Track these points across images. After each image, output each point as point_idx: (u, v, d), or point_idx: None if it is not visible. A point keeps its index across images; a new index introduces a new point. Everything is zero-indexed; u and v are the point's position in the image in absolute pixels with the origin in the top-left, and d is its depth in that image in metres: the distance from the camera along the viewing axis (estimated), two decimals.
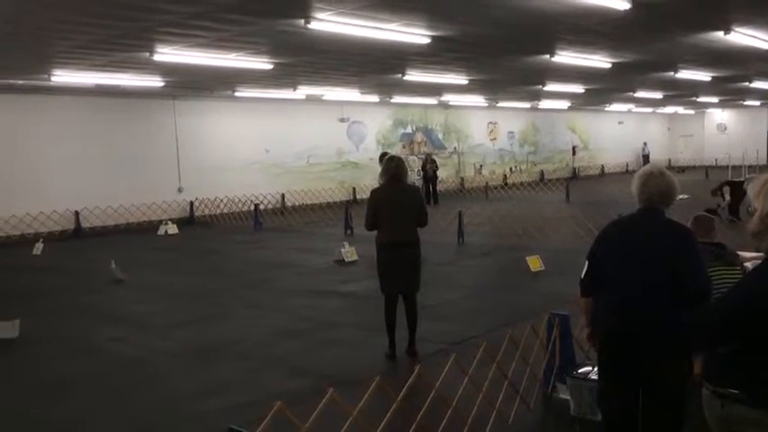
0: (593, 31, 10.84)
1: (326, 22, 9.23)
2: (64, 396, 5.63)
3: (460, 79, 17.36)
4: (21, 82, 14.77)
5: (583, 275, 3.42)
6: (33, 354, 6.87)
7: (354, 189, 24.08)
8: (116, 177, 18.03)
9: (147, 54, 11.26)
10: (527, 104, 28.80)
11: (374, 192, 6.24)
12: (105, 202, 17.89)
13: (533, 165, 33.01)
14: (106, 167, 17.87)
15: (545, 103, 28.54)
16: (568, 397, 4.66)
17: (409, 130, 26.98)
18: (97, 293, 9.84)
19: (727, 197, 14.80)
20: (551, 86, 20.36)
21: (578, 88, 21.31)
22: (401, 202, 6.10)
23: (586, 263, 3.40)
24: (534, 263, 9.96)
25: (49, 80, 14.02)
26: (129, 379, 5.97)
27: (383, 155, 14.89)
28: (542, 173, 32.37)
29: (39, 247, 14.03)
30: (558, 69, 15.68)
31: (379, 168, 6.68)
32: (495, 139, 30.99)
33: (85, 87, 15.79)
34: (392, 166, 6.15)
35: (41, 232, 16.32)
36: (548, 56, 13.36)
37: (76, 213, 17.53)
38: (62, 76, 13.77)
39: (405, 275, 6.14)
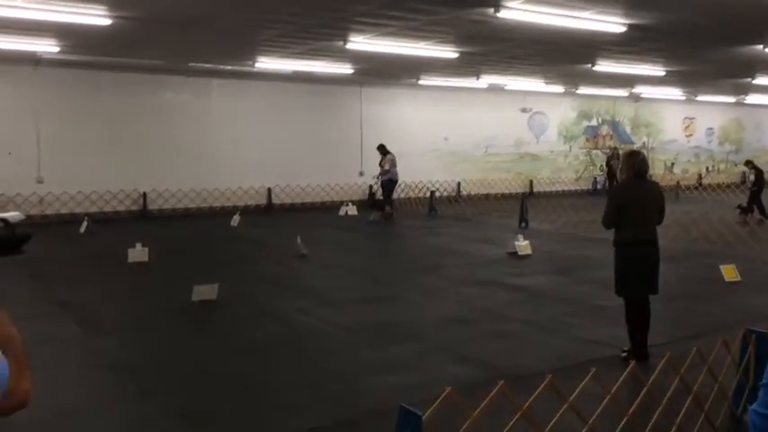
0: None
1: (516, 11, 9.11)
2: (255, 357, 6.17)
3: (656, 70, 16.27)
4: (229, 67, 16.30)
5: None
6: (229, 316, 7.59)
7: (531, 181, 23.57)
8: (304, 158, 19.25)
9: (341, 43, 11.87)
10: (731, 99, 26.24)
11: (617, 188, 6.05)
12: (294, 181, 19.22)
13: (734, 165, 30.04)
14: (296, 149, 19.14)
15: (753, 98, 25.81)
16: None
17: (594, 122, 25.77)
18: (283, 265, 10.63)
19: None
20: (762, 80, 18.40)
21: None
22: (646, 199, 5.89)
23: None
24: (729, 272, 9.10)
25: (253, 66, 15.31)
26: (310, 348, 6.40)
27: (381, 146, 14.87)
28: (744, 174, 29.30)
29: (236, 219, 15.43)
30: None
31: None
32: (690, 135, 28.63)
33: (282, 74, 17.03)
34: (637, 161, 5.87)
35: (239, 206, 17.91)
36: (761, 46, 12.11)
37: (269, 190, 19.03)
38: (265, 63, 14.98)
39: (649, 276, 5.87)
